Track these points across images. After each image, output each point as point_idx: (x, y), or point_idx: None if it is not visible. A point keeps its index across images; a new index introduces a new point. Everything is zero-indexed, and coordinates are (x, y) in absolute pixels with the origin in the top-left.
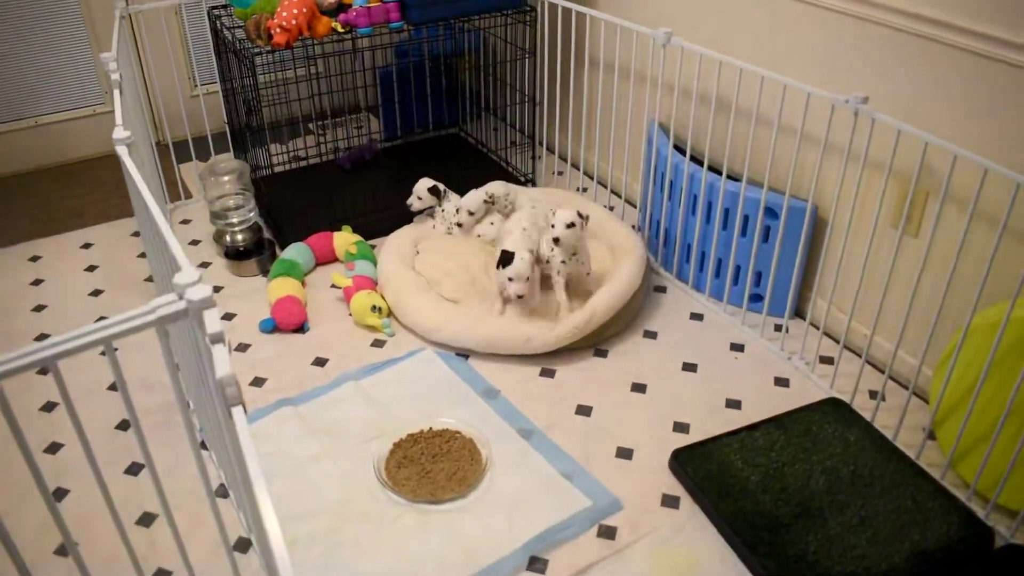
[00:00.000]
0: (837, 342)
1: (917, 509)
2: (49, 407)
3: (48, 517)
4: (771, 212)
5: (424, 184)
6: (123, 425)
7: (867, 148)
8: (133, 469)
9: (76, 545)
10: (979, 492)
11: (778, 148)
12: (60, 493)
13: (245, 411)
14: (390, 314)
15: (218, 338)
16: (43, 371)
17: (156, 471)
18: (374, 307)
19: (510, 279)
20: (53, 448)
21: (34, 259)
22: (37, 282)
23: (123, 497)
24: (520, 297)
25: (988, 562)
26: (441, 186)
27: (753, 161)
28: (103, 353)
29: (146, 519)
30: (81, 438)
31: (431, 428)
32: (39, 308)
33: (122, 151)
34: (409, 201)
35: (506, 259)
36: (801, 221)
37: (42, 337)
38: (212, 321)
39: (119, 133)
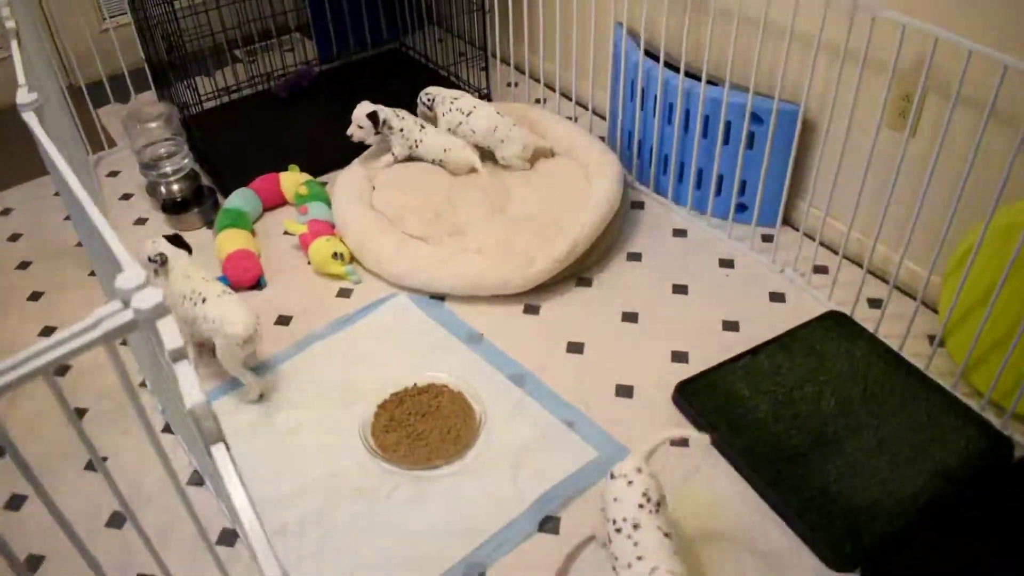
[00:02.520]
0: (834, 251)
1: (933, 425)
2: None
3: (7, 526)
4: (756, 118)
5: (362, 110)
6: (79, 413)
7: (867, 47)
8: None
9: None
10: (993, 401)
11: (764, 49)
12: (17, 500)
13: (228, 447)
14: (353, 260)
15: (180, 355)
16: None
17: (111, 476)
18: (335, 254)
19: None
20: (3, 450)
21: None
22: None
23: (88, 497)
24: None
25: (1012, 473)
26: (382, 111)
27: (736, 64)
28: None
29: (117, 520)
30: (26, 472)
31: (415, 384)
32: None
33: (30, 119)
34: (349, 131)
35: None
36: (791, 125)
37: None
38: (169, 334)
39: (24, 97)
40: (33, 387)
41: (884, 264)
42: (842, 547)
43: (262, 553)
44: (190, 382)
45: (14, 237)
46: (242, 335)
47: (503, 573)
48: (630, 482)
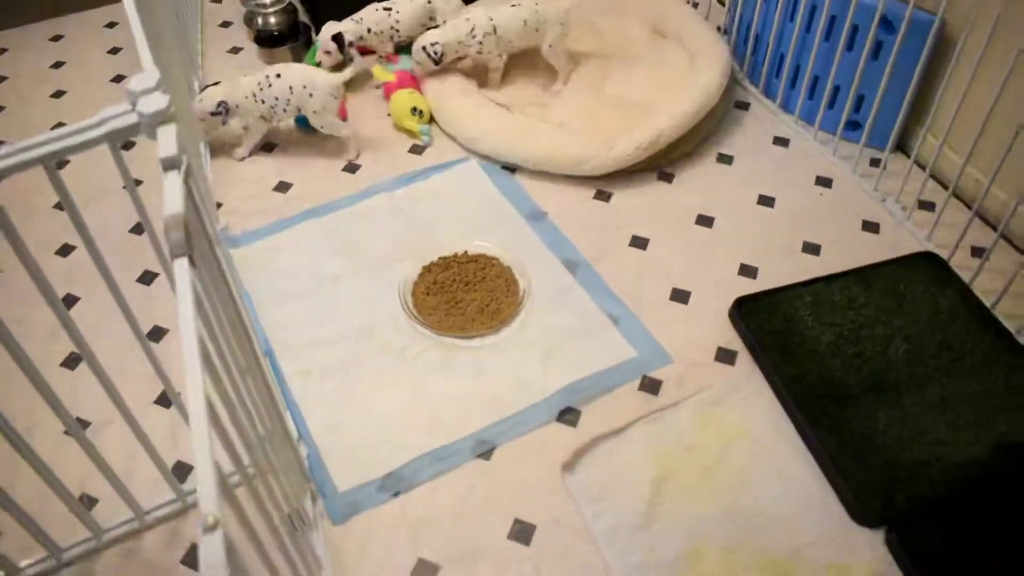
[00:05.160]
0: (944, 187)
1: (1009, 393)
2: (63, 205)
3: (56, 327)
4: (887, 24)
5: (326, 33)
6: (137, 229)
7: None
8: (146, 278)
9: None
10: None
11: None
12: (70, 300)
13: (192, 263)
14: (432, 121)
15: (172, 164)
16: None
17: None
18: (414, 109)
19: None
20: (64, 250)
21: (56, 39)
22: (57, 65)
23: (133, 308)
24: None
25: None
26: (347, 31)
27: None
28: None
29: (156, 333)
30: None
31: (466, 252)
32: (58, 94)
33: None
34: (317, 59)
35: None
36: (923, 38)
37: (59, 126)
38: (167, 141)
39: None
40: (99, 196)
41: (998, 211)
42: (871, 500)
43: (192, 381)
44: (175, 192)
45: (115, 51)
46: (334, 81)
47: (511, 454)
48: None
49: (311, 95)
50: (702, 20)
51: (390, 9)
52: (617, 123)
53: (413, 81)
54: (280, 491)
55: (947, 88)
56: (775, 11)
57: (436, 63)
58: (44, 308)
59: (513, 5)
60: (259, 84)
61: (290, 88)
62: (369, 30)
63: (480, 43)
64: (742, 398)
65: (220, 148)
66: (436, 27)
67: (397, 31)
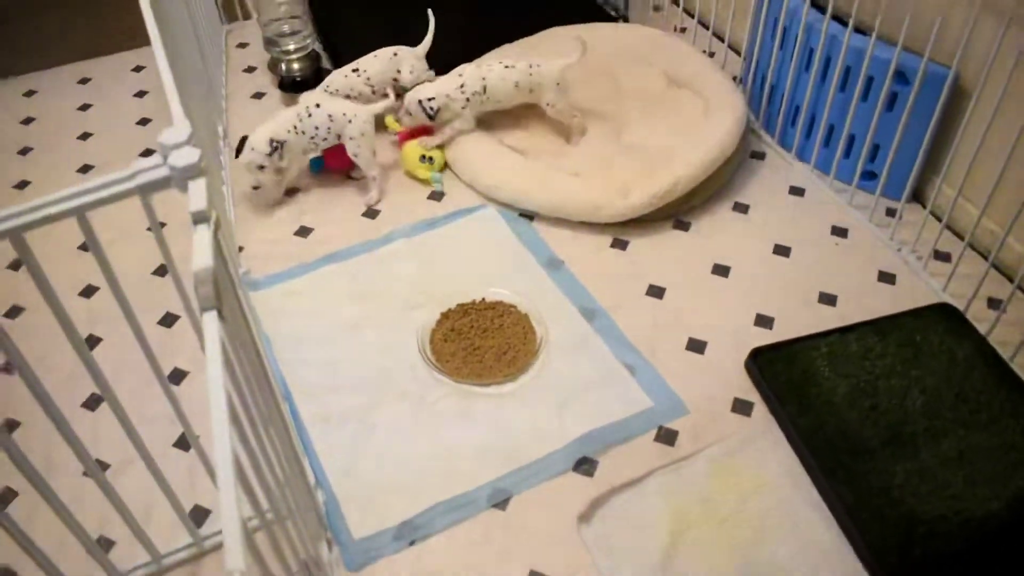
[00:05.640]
0: (960, 237)
1: None
2: (87, 247)
3: (77, 368)
4: (902, 77)
5: (256, 138)
6: (160, 271)
7: None
8: (167, 320)
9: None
10: None
11: None
12: (92, 341)
13: (221, 316)
14: (445, 168)
15: (202, 217)
16: None
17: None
18: (423, 157)
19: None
20: (88, 292)
21: (83, 82)
22: (85, 107)
23: (154, 350)
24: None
25: None
26: (277, 139)
27: (888, 12)
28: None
29: (176, 376)
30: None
31: (483, 299)
32: (84, 136)
33: None
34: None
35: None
36: (938, 90)
37: (85, 168)
38: (197, 195)
39: None
40: (121, 238)
41: (1014, 262)
42: (888, 555)
43: (219, 439)
44: (205, 245)
45: (141, 94)
46: (371, 111)
47: (527, 504)
48: None
49: (350, 121)
50: (718, 69)
51: (357, 70)
52: (633, 171)
53: (424, 130)
54: (298, 537)
55: (962, 139)
56: (791, 61)
57: (431, 118)
58: (66, 348)
59: (507, 66)
60: (298, 116)
61: (330, 116)
62: (348, 96)
63: (468, 100)
64: (758, 450)
65: (244, 195)
66: (419, 81)
67: (373, 90)
